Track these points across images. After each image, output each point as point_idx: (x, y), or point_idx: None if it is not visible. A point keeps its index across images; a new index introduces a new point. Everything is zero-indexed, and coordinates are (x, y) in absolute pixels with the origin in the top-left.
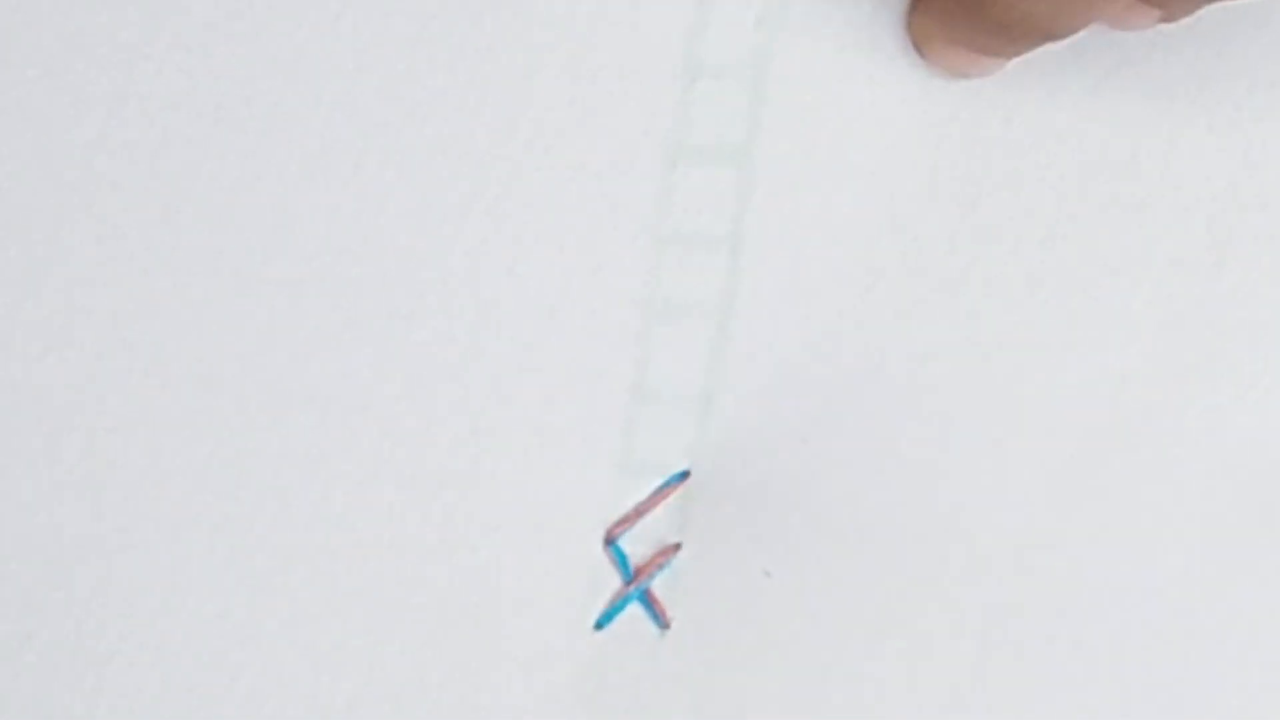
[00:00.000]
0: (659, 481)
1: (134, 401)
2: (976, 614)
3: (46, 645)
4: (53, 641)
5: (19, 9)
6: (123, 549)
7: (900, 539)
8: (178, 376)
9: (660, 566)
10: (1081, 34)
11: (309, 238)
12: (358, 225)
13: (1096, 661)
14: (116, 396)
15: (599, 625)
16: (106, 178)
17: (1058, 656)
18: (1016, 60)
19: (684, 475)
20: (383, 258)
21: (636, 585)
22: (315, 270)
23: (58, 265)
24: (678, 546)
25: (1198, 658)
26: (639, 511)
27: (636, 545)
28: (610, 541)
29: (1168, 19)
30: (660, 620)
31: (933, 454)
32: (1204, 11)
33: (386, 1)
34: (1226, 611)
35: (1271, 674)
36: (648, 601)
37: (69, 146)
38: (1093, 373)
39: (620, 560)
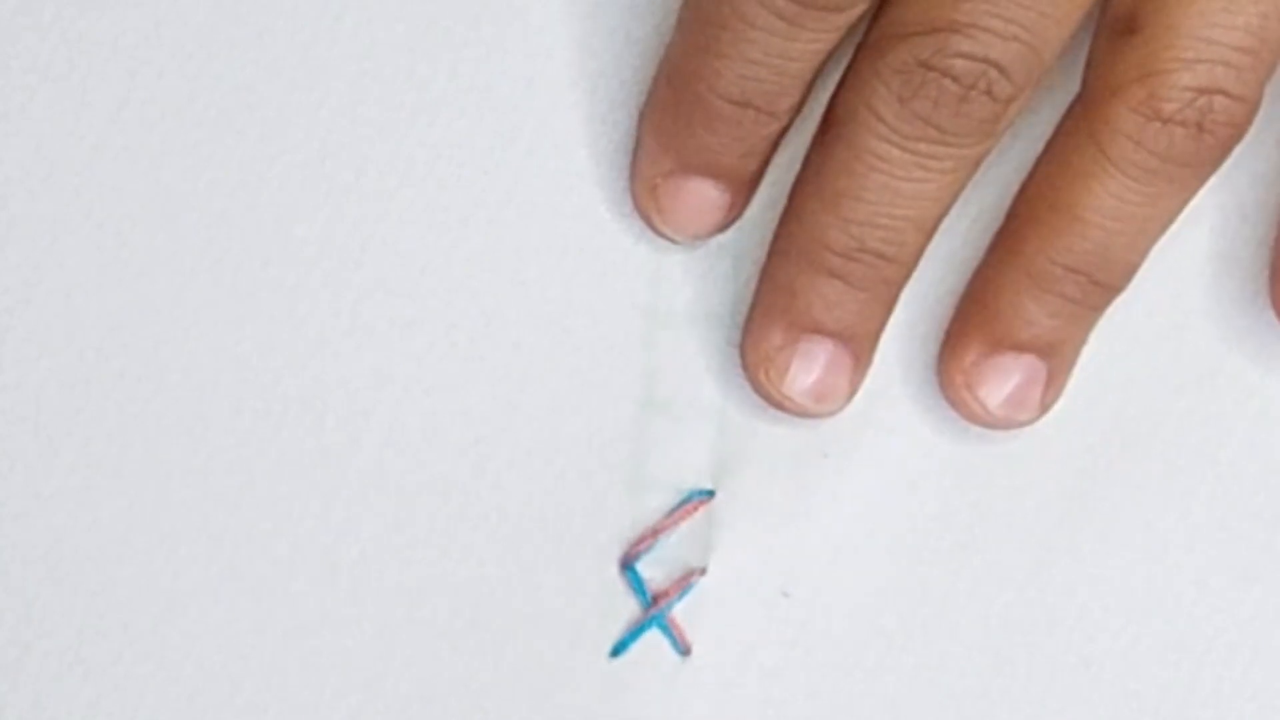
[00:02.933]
0: (675, 500)
1: (139, 407)
2: (996, 631)
3: (47, 652)
4: (54, 649)
5: (21, 10)
6: (130, 554)
7: (926, 551)
8: (184, 385)
9: (680, 593)
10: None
11: (313, 249)
12: (359, 235)
13: (1108, 672)
14: (120, 402)
15: (615, 652)
16: (107, 183)
17: (1072, 669)
18: None
19: (708, 494)
20: (385, 269)
21: (655, 612)
22: (318, 283)
23: (60, 267)
24: (702, 571)
25: (1204, 662)
26: (657, 532)
27: (656, 568)
28: (627, 565)
29: None
30: (680, 646)
31: (950, 460)
32: None
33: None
34: (1232, 616)
35: (1275, 678)
36: (667, 626)
37: (71, 148)
38: (1100, 379)
39: (637, 585)
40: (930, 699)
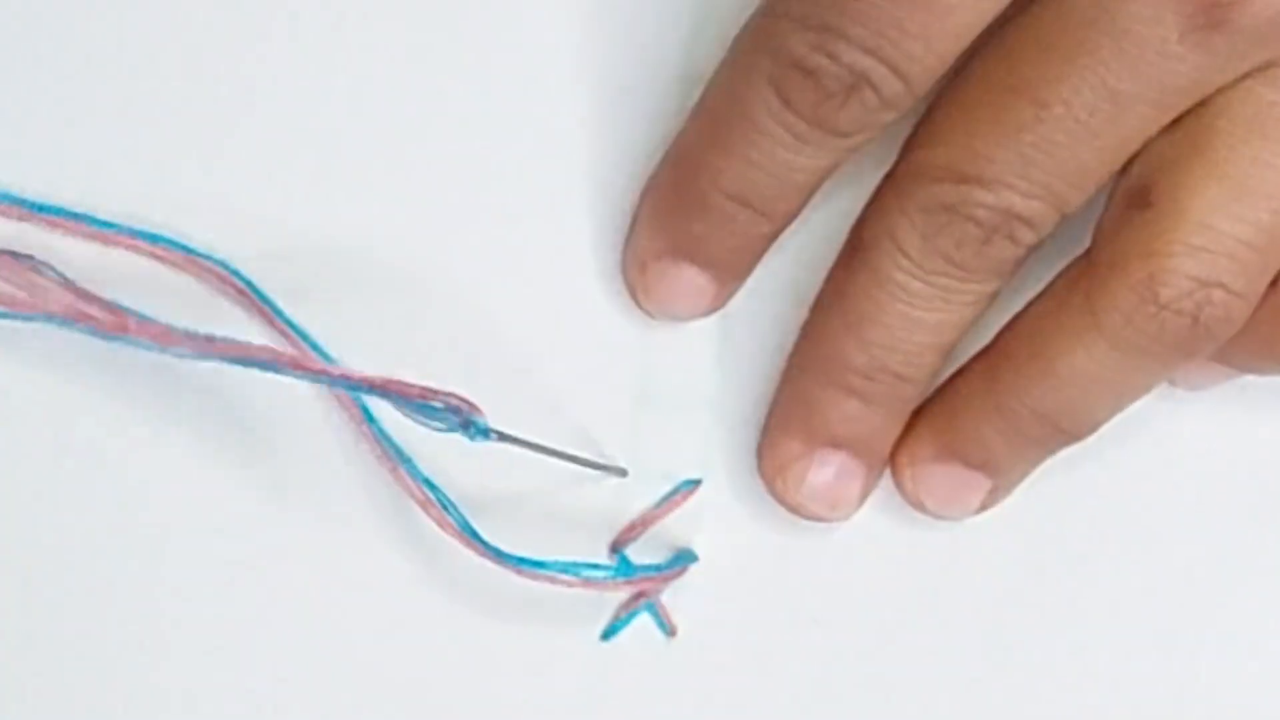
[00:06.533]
0: (667, 489)
1: (143, 405)
2: (984, 617)
3: (47, 649)
4: (55, 645)
5: (21, 9)
6: (129, 549)
7: (908, 541)
8: (185, 385)
9: (670, 578)
10: None
11: (315, 235)
12: (359, 225)
13: (1100, 665)
14: (122, 398)
15: (606, 636)
16: (104, 178)
17: (1060, 661)
18: None
19: (694, 484)
20: (385, 259)
21: (646, 599)
22: (319, 269)
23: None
24: (690, 557)
25: (1197, 659)
26: (646, 521)
27: (645, 554)
28: (617, 549)
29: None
30: (666, 626)
31: None
32: None
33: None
34: (1225, 612)
35: (1270, 676)
36: (656, 610)
37: (73, 144)
38: None
39: (627, 570)
40: (916, 682)
